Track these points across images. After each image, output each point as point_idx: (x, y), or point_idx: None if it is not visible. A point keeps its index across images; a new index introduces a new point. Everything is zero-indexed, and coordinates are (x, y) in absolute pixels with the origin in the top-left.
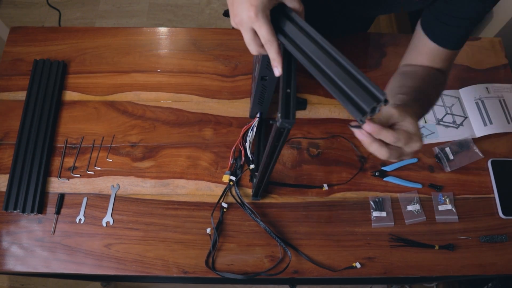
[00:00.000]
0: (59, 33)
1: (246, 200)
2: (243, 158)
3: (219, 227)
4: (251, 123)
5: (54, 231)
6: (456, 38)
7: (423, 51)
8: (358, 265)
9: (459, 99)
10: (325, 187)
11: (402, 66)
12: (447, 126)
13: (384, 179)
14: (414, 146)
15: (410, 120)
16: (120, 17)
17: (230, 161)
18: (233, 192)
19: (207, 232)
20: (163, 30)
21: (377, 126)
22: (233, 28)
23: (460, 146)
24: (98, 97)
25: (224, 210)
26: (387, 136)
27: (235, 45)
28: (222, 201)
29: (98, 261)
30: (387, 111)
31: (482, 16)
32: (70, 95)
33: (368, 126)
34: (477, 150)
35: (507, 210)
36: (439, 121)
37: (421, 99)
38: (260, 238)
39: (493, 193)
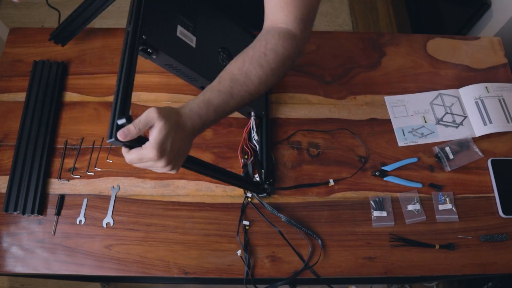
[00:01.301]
0: None
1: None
2: (251, 158)
3: (248, 247)
4: (248, 124)
5: (54, 232)
6: None
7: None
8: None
9: (458, 98)
10: (331, 182)
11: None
12: (447, 126)
13: (384, 178)
14: (145, 162)
15: (152, 137)
16: (120, 17)
17: (241, 161)
18: (254, 200)
19: (238, 254)
20: None
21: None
22: None
23: (460, 146)
24: (98, 98)
25: (247, 228)
26: (125, 154)
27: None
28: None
29: (98, 262)
30: (149, 116)
31: None
32: (70, 96)
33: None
34: (477, 150)
35: (507, 209)
36: (438, 121)
37: (223, 88)
38: (261, 238)
39: (493, 192)
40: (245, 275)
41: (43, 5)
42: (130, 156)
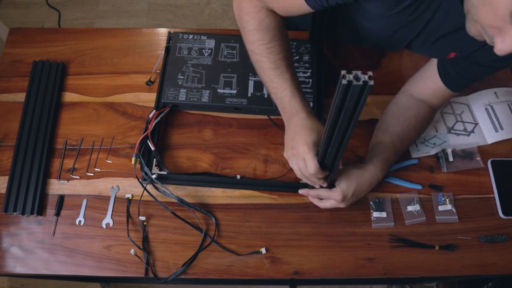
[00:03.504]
0: (58, 34)
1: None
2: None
3: (146, 244)
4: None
5: (54, 233)
6: (466, 86)
7: (431, 86)
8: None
9: (468, 105)
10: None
11: (402, 93)
12: (458, 134)
13: (384, 179)
14: (336, 205)
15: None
16: (120, 17)
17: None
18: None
19: (132, 253)
20: (162, 31)
21: (305, 191)
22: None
23: (464, 153)
24: (97, 99)
25: (145, 224)
26: (314, 193)
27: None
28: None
29: (98, 263)
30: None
31: (498, 71)
32: (69, 97)
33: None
34: (478, 159)
35: (507, 210)
36: (450, 130)
37: (396, 150)
38: (261, 239)
39: (493, 193)
40: (145, 273)
41: (43, 5)
42: (321, 203)
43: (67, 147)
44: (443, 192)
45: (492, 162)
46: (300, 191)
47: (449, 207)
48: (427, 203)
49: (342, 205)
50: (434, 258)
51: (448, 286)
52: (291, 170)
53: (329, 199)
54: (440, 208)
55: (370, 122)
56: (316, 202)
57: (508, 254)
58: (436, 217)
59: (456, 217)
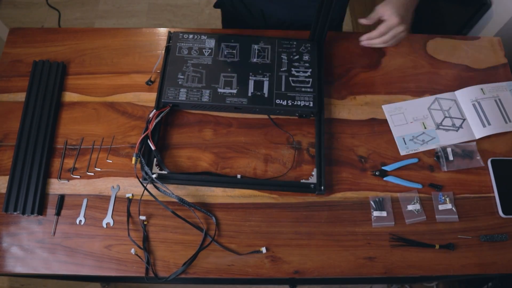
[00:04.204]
0: (58, 34)
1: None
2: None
3: (146, 243)
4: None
5: (54, 232)
6: None
7: None
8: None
9: (455, 101)
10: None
11: None
12: (447, 130)
13: (384, 178)
14: (396, 30)
15: (387, 14)
16: (120, 17)
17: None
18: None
19: (132, 252)
20: (162, 30)
21: (366, 36)
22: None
23: (464, 152)
24: (97, 98)
25: (145, 223)
26: (375, 34)
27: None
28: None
29: (98, 262)
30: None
31: None
32: (69, 96)
33: (365, 39)
34: (479, 158)
35: (507, 209)
36: (438, 126)
37: None
38: (261, 238)
39: (493, 192)
40: (145, 273)
41: (43, 5)
42: (385, 36)
43: (67, 146)
44: (443, 191)
45: (492, 161)
46: (363, 42)
47: (449, 206)
48: (427, 202)
49: (401, 28)
50: (434, 257)
51: (448, 285)
52: (291, 169)
53: (388, 29)
54: (440, 207)
55: (370, 122)
56: (378, 42)
57: (508, 253)
58: (436, 216)
59: (456, 216)
